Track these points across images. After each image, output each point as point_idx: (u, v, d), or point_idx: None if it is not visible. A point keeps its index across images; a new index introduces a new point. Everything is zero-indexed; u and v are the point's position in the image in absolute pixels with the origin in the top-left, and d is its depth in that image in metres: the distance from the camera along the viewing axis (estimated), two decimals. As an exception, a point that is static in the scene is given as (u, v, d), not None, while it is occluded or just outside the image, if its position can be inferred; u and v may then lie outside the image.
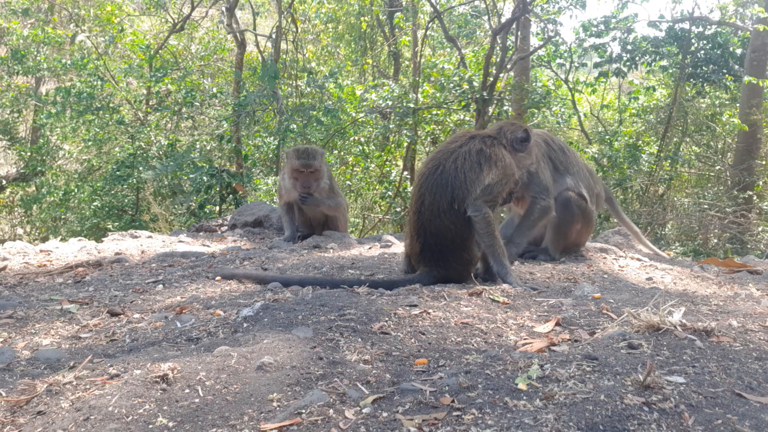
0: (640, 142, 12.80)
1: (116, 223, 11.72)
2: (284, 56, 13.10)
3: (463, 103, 11.82)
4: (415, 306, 2.73)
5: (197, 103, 12.43)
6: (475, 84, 11.57)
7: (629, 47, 13.36)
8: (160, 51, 14.06)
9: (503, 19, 12.82)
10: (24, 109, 15.83)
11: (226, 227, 6.69)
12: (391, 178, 13.50)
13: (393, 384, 1.88)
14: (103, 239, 5.82)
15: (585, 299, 2.93)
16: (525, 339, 2.32)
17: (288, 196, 5.59)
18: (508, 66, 12.11)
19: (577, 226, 4.51)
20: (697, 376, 1.81)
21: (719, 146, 15.30)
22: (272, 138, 10.88)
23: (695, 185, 15.16)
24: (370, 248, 4.93)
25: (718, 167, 14.58)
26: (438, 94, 12.23)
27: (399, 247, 4.89)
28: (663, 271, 4.13)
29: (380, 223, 14.41)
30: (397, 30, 15.72)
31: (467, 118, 12.39)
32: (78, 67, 12.67)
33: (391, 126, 12.59)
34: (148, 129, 12.38)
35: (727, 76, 13.28)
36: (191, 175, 9.82)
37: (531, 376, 1.84)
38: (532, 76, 13.53)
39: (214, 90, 12.79)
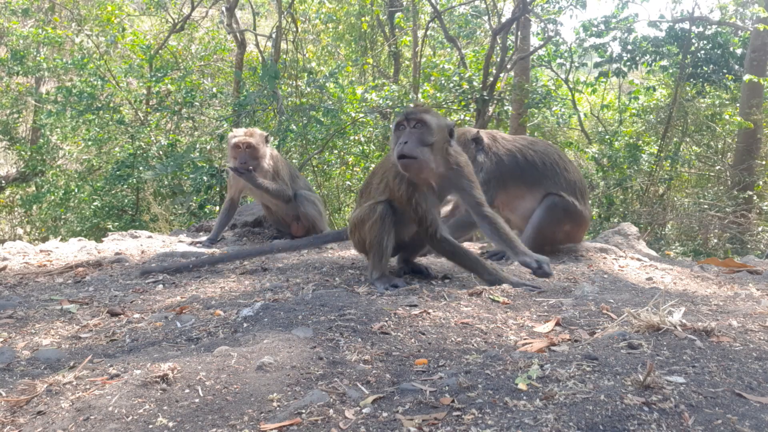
0: (640, 142, 12.80)
1: (116, 223, 11.72)
2: (284, 56, 13.10)
3: (463, 103, 11.82)
4: (415, 306, 2.73)
5: (197, 103, 12.42)
6: (475, 84, 11.57)
7: (629, 47, 13.35)
8: (160, 51, 14.05)
9: (503, 19, 12.82)
10: (24, 109, 15.82)
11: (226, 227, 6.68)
12: (391, 178, 13.46)
13: (393, 384, 1.88)
14: (103, 239, 5.81)
15: (585, 299, 2.93)
16: (525, 339, 2.32)
17: (233, 185, 5.62)
18: (508, 66, 12.11)
19: (565, 227, 4.55)
20: (697, 376, 1.81)
21: (719, 146, 15.30)
22: (272, 138, 10.88)
23: (695, 185, 15.15)
24: (370, 248, 4.92)
25: (718, 167, 14.58)
26: (438, 94, 12.23)
27: (399, 247, 4.88)
28: (663, 271, 4.13)
29: (380, 223, 14.36)
30: (397, 30, 15.72)
31: (467, 118, 12.39)
32: (78, 67, 12.66)
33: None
34: (148, 129, 12.38)
35: (727, 75, 13.28)
36: (191, 175, 9.82)
37: (531, 376, 1.84)
38: (532, 76, 13.52)
39: (214, 90, 12.78)
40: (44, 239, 12.59)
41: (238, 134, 5.42)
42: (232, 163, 5.43)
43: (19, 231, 15.85)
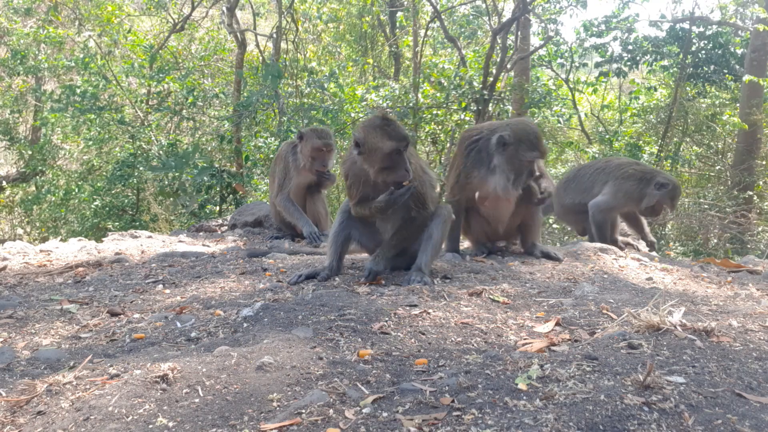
0: (641, 142, 12.79)
1: (116, 223, 11.72)
2: (284, 56, 13.09)
3: (463, 104, 11.81)
4: (415, 306, 2.73)
5: (200, 103, 12.42)
6: (475, 84, 11.56)
7: (630, 47, 13.35)
8: (160, 51, 14.05)
9: (503, 19, 12.81)
10: (24, 109, 15.81)
11: (226, 227, 6.69)
12: (391, 177, 13.44)
13: (393, 384, 1.88)
14: (103, 239, 5.81)
15: (585, 299, 2.93)
16: (525, 339, 2.32)
17: (299, 178, 5.57)
18: (508, 66, 12.10)
19: None
20: (697, 376, 1.81)
21: (719, 146, 15.28)
22: (273, 138, 10.87)
23: (695, 185, 15.14)
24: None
25: (718, 167, 14.57)
26: (438, 94, 12.22)
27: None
28: (663, 271, 4.13)
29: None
30: (398, 30, 15.71)
31: (467, 118, 12.39)
32: (80, 67, 12.66)
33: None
34: (149, 129, 12.38)
35: (727, 76, 13.27)
36: (196, 177, 9.82)
37: (531, 376, 1.84)
38: (532, 75, 13.51)
39: (216, 90, 12.77)
40: (44, 239, 12.59)
41: (323, 136, 5.46)
42: (311, 164, 5.47)
43: (19, 231, 15.85)
